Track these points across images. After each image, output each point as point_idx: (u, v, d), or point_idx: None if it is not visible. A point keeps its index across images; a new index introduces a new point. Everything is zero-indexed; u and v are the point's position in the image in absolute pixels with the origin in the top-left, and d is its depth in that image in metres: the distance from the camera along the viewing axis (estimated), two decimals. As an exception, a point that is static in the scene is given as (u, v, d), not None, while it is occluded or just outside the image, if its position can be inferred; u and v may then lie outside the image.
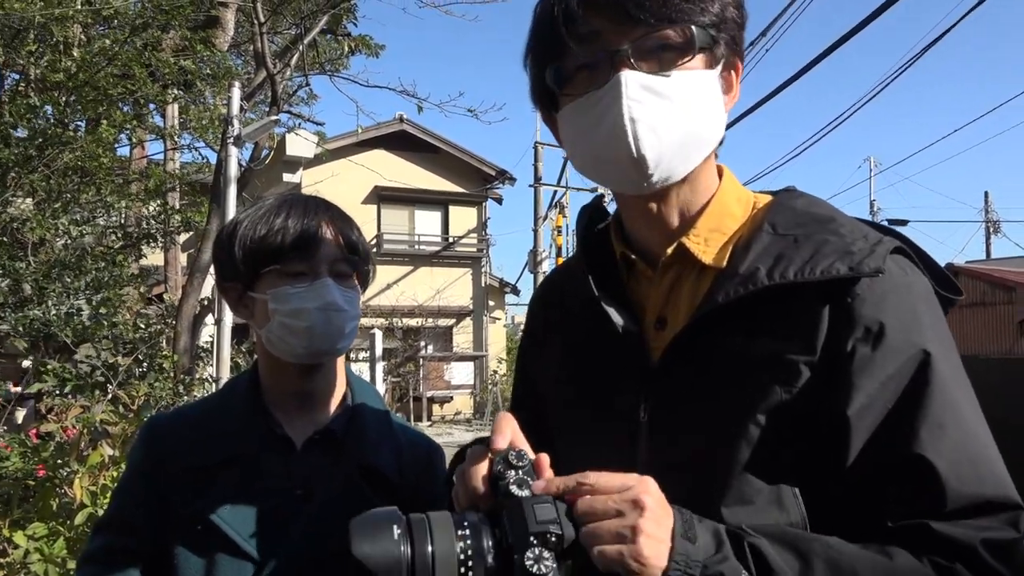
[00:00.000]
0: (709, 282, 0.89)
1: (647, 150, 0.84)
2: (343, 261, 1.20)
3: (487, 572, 0.68)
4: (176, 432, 1.20)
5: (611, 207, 1.09)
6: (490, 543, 0.69)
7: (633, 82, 0.83)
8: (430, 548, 0.67)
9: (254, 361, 1.29)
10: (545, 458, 0.76)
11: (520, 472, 0.73)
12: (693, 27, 0.83)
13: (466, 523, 0.70)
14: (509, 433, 0.79)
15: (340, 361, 1.28)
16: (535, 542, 0.67)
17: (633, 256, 0.97)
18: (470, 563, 0.68)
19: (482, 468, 0.77)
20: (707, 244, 0.92)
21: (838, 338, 0.81)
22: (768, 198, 0.96)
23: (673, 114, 0.84)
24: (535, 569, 0.66)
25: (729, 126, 0.96)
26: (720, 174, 0.97)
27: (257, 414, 1.20)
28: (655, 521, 0.69)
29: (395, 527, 0.68)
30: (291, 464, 1.18)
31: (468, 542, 0.69)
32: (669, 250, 0.93)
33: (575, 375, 1.00)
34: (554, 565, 0.67)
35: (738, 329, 0.85)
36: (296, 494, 1.15)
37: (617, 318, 0.93)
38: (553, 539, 0.68)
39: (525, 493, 0.71)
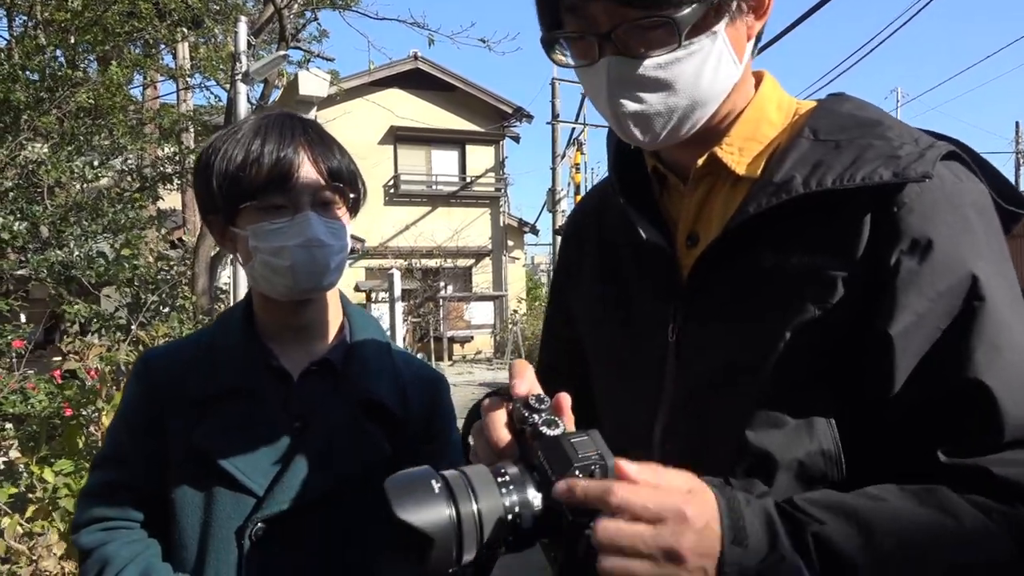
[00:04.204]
0: (743, 194, 0.82)
1: (641, 135, 0.82)
2: (325, 190, 1.13)
3: (535, 518, 0.66)
4: (170, 366, 1.18)
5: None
6: (534, 489, 0.66)
7: (617, 73, 0.79)
8: (474, 506, 0.64)
9: (248, 292, 1.26)
10: (565, 398, 0.72)
11: (544, 414, 0.70)
12: (684, 8, 0.75)
13: (505, 472, 0.67)
14: (529, 377, 0.75)
15: (334, 291, 1.24)
16: (580, 476, 0.64)
17: (664, 170, 0.92)
18: (517, 509, 0.65)
19: (502, 417, 0.73)
20: (741, 153, 0.85)
21: (880, 251, 0.74)
22: (813, 104, 0.88)
23: (666, 99, 0.80)
24: None
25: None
26: (759, 81, 0.89)
27: (252, 345, 1.17)
28: (698, 567, 0.61)
29: (434, 483, 0.64)
30: (288, 396, 1.15)
31: (511, 489, 0.66)
32: (700, 161, 0.86)
33: (607, 295, 0.96)
34: None
35: (771, 242, 0.79)
36: (294, 426, 1.13)
37: (646, 233, 0.88)
38: (598, 472, 0.65)
39: (557, 432, 0.68)
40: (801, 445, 0.76)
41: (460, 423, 1.31)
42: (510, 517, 0.65)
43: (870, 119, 0.81)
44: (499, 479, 0.66)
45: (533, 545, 0.68)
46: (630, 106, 0.80)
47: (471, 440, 0.79)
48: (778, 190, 0.77)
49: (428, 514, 0.62)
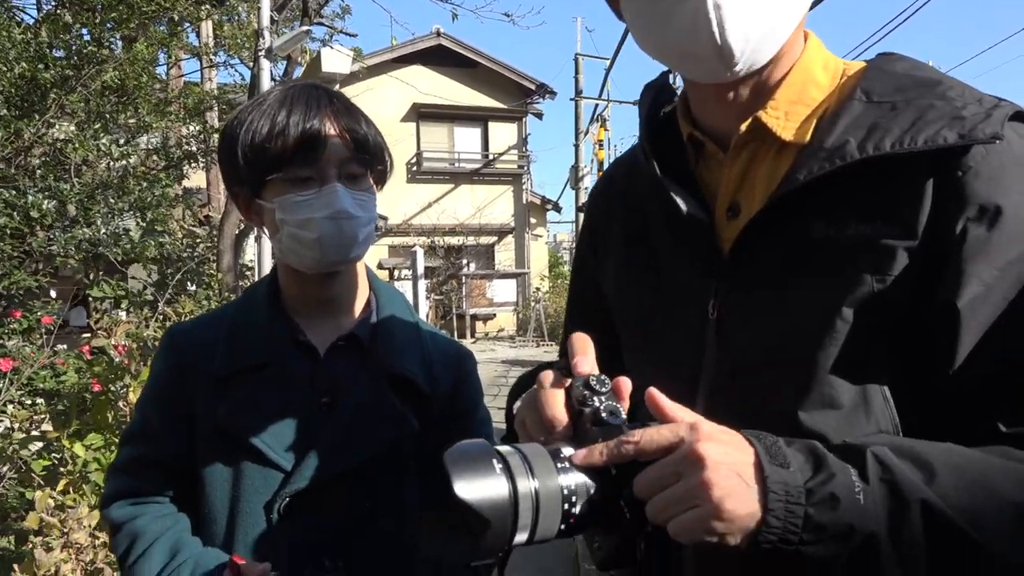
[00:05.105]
0: (789, 161, 0.77)
1: (733, 39, 0.72)
2: (352, 161, 1.10)
3: (592, 506, 0.63)
4: (196, 340, 1.16)
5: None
6: (593, 476, 0.64)
7: None
8: (532, 484, 0.61)
9: (273, 267, 1.24)
10: (626, 382, 0.69)
11: (605, 398, 0.67)
12: None
13: (562, 455, 0.64)
14: (591, 356, 0.72)
15: (361, 265, 1.22)
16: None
17: (702, 137, 0.86)
18: (574, 499, 0.62)
19: (559, 395, 0.71)
20: (787, 118, 0.79)
21: (945, 218, 0.69)
22: (862, 65, 0.82)
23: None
24: None
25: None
26: (805, 38, 0.83)
27: (278, 320, 1.16)
28: (725, 467, 0.60)
29: (495, 463, 0.62)
30: (315, 371, 1.14)
31: (569, 476, 0.63)
32: (743, 127, 0.80)
33: (635, 260, 0.92)
34: None
35: (822, 212, 0.74)
36: (322, 402, 1.12)
37: (684, 204, 0.83)
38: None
39: (619, 422, 0.66)
40: (858, 426, 0.72)
41: (486, 400, 1.30)
42: (566, 505, 0.62)
43: (929, 78, 0.76)
44: (557, 461, 0.63)
45: (582, 532, 0.65)
46: None
47: (516, 411, 0.76)
48: (831, 156, 0.72)
49: (489, 496, 0.60)
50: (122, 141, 6.49)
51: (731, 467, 0.60)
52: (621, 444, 0.63)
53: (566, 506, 0.62)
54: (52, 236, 5.58)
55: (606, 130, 18.77)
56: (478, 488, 0.59)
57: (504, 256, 20.57)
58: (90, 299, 4.60)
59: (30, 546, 2.51)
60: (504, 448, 0.64)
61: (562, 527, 0.62)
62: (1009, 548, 0.62)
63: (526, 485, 0.61)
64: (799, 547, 0.61)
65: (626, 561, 0.66)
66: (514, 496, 0.60)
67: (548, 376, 0.73)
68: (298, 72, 8.27)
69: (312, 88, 1.13)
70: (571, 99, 19.33)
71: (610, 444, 0.63)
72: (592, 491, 0.63)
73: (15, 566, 2.48)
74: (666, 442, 0.62)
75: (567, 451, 0.65)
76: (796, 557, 0.61)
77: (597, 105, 19.24)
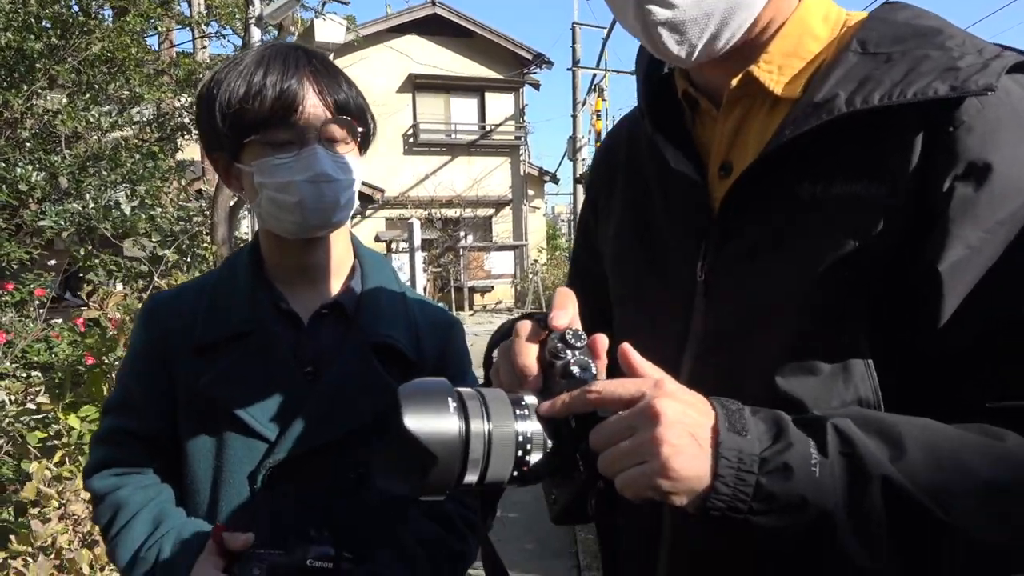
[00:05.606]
0: (781, 117, 0.74)
1: (676, 47, 0.74)
2: (333, 123, 1.08)
3: (547, 457, 0.63)
4: (177, 310, 1.15)
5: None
6: (551, 427, 0.63)
7: None
8: (486, 426, 0.61)
9: (255, 234, 1.22)
10: (603, 339, 0.68)
11: (578, 353, 0.67)
12: None
13: (524, 403, 0.64)
14: (571, 310, 0.71)
15: (344, 231, 1.20)
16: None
17: (696, 94, 0.84)
18: (528, 446, 0.62)
19: (533, 346, 0.70)
20: (780, 72, 0.76)
21: (932, 175, 0.66)
22: (864, 15, 0.78)
23: (700, 0, 0.71)
24: None
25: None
26: None
27: (260, 288, 1.14)
28: (680, 425, 0.59)
29: (450, 401, 0.61)
30: (299, 340, 1.12)
31: (527, 424, 0.63)
32: (734, 81, 0.77)
33: (633, 231, 0.90)
34: None
35: (810, 169, 0.72)
36: (306, 371, 1.10)
37: (675, 163, 0.81)
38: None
39: (587, 377, 0.65)
40: (836, 393, 0.70)
41: (477, 371, 1.29)
42: (519, 452, 0.62)
43: (929, 27, 0.72)
44: (516, 408, 0.63)
45: (536, 482, 0.65)
46: (660, 13, 0.71)
47: (494, 358, 0.76)
48: (818, 110, 0.70)
49: (438, 431, 0.59)
50: (113, 113, 6.41)
51: (686, 427, 0.59)
52: (583, 393, 0.62)
53: (520, 452, 0.62)
54: (44, 209, 5.53)
55: (604, 100, 18.60)
56: (428, 423, 0.59)
57: (501, 228, 20.50)
58: (80, 274, 4.59)
59: (28, 517, 2.53)
60: (464, 390, 0.63)
61: (514, 473, 0.62)
62: (977, 526, 0.61)
63: (480, 426, 0.61)
64: (748, 516, 0.60)
65: (580, 516, 0.66)
66: (465, 435, 0.60)
67: (525, 327, 0.72)
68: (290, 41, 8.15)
69: (290, 48, 1.10)
70: (568, 69, 19.16)
71: (573, 393, 0.63)
72: (549, 441, 0.63)
73: (12, 537, 2.49)
74: (628, 395, 0.61)
75: (530, 400, 0.65)
76: (745, 527, 0.60)
77: (595, 75, 19.05)
